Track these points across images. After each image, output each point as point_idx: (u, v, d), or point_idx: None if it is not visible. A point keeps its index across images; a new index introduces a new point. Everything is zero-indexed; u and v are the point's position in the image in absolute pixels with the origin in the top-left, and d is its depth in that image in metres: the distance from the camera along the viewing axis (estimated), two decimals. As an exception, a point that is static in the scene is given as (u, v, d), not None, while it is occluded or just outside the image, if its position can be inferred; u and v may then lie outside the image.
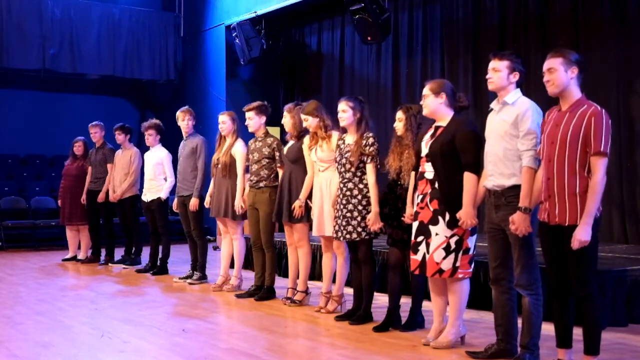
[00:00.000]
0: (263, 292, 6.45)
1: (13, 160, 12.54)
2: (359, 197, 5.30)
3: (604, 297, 5.20)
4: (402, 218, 4.98)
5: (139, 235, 8.82)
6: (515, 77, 4.15)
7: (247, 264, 7.54)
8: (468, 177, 4.36)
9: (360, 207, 5.29)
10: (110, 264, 8.97)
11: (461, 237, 4.47)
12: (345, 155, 5.35)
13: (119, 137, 8.78)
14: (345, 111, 5.37)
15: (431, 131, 4.65)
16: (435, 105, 4.59)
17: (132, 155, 8.69)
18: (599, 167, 3.61)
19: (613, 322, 5.26)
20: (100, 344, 4.83)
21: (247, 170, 6.70)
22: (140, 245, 8.84)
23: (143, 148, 8.58)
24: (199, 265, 7.50)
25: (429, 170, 4.57)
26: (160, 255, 8.21)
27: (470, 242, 4.52)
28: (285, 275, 6.91)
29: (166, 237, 8.19)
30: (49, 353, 4.57)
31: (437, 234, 4.48)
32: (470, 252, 4.53)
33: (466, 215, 4.32)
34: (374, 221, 5.19)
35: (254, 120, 6.51)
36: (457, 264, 4.48)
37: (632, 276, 5.51)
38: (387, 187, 5.23)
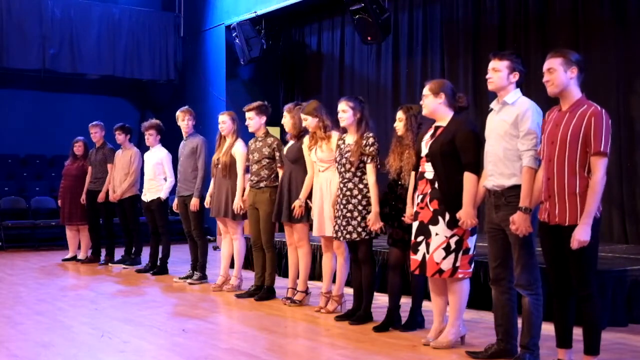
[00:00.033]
0: (263, 292, 6.46)
1: (13, 160, 12.54)
2: (359, 197, 5.30)
3: (604, 297, 5.20)
4: (403, 218, 4.98)
5: (139, 235, 8.82)
6: (515, 77, 4.15)
7: (247, 264, 7.54)
8: (468, 177, 4.36)
9: (360, 207, 5.29)
10: (110, 264, 8.97)
11: (461, 237, 4.47)
12: (345, 155, 5.35)
13: (119, 137, 8.79)
14: (345, 111, 5.37)
15: (431, 131, 4.65)
16: (435, 106, 4.59)
17: (132, 155, 8.69)
18: (599, 167, 3.61)
19: (613, 322, 5.26)
20: (100, 344, 4.83)
21: (247, 170, 6.70)
22: (140, 245, 8.84)
23: (143, 148, 8.58)
24: (199, 265, 7.50)
25: (429, 170, 4.57)
26: (160, 255, 8.21)
27: (470, 242, 4.52)
28: (285, 275, 6.91)
29: (166, 237, 8.19)
30: (49, 353, 4.57)
31: (437, 234, 4.48)
32: (470, 252, 4.53)
33: (466, 215, 4.32)
34: (374, 221, 5.19)
35: (254, 120, 6.51)
36: (457, 264, 4.48)
37: (632, 276, 5.51)
38: (387, 187, 5.23)
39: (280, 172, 6.28)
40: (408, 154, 4.97)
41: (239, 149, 6.76)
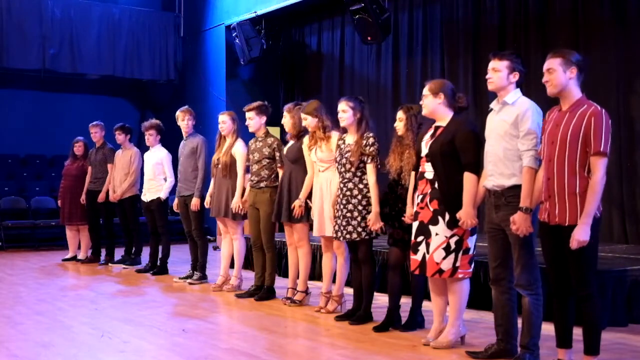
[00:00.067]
0: (263, 292, 6.45)
1: (13, 160, 12.54)
2: (359, 197, 5.30)
3: (604, 297, 5.20)
4: (403, 218, 4.98)
5: (139, 235, 8.82)
6: (515, 77, 4.15)
7: (247, 264, 7.54)
8: (468, 177, 4.36)
9: (360, 207, 5.29)
10: (110, 264, 8.97)
11: (461, 237, 4.47)
12: (346, 155, 5.35)
13: (119, 137, 8.79)
14: (345, 111, 5.37)
15: (431, 131, 4.65)
16: (434, 106, 4.59)
17: (132, 155, 8.69)
18: (599, 167, 3.61)
19: (613, 322, 5.26)
20: (100, 344, 4.83)
21: (247, 170, 6.70)
22: (140, 245, 8.84)
23: (143, 148, 8.58)
24: (199, 265, 7.50)
25: (428, 170, 4.57)
26: (160, 255, 8.21)
27: (470, 242, 4.52)
28: (285, 275, 6.91)
29: (166, 237, 8.19)
30: (49, 353, 4.57)
31: (437, 234, 4.48)
32: (470, 252, 4.53)
33: (466, 215, 4.32)
34: (374, 221, 5.19)
35: (254, 121, 6.51)
36: (457, 264, 4.48)
37: (632, 276, 5.51)
38: (387, 187, 5.23)
39: (280, 172, 6.28)
40: (408, 154, 4.96)
41: (239, 149, 6.76)
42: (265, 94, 10.27)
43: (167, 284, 7.51)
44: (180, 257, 9.08)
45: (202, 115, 10.27)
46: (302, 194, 5.87)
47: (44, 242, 11.11)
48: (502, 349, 4.26)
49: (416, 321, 5.16)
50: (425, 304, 5.17)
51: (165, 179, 8.10)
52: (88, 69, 12.42)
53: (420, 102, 4.70)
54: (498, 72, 4.16)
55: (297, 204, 5.86)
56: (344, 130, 5.49)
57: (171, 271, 8.14)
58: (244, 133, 6.86)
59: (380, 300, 5.83)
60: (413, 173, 4.84)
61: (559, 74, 3.74)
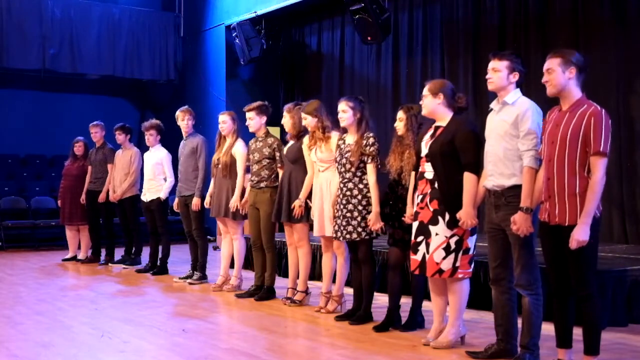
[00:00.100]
0: (263, 292, 6.45)
1: (13, 160, 12.54)
2: (359, 197, 5.30)
3: (604, 297, 5.20)
4: (403, 218, 4.98)
5: (139, 235, 8.82)
6: (515, 77, 4.15)
7: (247, 264, 7.54)
8: (468, 177, 4.36)
9: (360, 207, 5.29)
10: (110, 264, 8.97)
11: (461, 237, 4.47)
12: (346, 155, 5.35)
13: (119, 137, 8.79)
14: (345, 111, 5.37)
15: (431, 131, 4.65)
16: (433, 106, 4.59)
17: (132, 155, 8.69)
18: (599, 167, 3.61)
19: (613, 322, 5.26)
20: (100, 344, 4.83)
21: (247, 170, 6.70)
22: (140, 245, 8.84)
23: (143, 148, 8.58)
24: (199, 265, 7.50)
25: (428, 171, 4.57)
26: (160, 255, 8.21)
27: (470, 242, 4.52)
28: (285, 275, 6.91)
29: (166, 237, 8.19)
30: (49, 353, 4.57)
31: (437, 234, 4.48)
32: (470, 252, 4.53)
33: (466, 215, 4.32)
34: (374, 221, 5.19)
35: (254, 121, 6.51)
36: (457, 264, 4.48)
37: (632, 276, 5.51)
38: (388, 187, 5.23)
39: (281, 172, 6.28)
40: (408, 154, 4.96)
41: (239, 149, 6.76)
42: (265, 94, 10.27)
43: (167, 284, 7.51)
44: (180, 257, 9.08)
45: (202, 115, 10.28)
46: (302, 194, 5.87)
47: (44, 242, 11.11)
48: (502, 349, 4.26)
49: (416, 321, 5.16)
50: (425, 304, 5.17)
51: (165, 179, 8.10)
52: (88, 69, 12.42)
53: (420, 102, 4.70)
54: (498, 72, 4.16)
55: (297, 204, 5.86)
56: (344, 130, 5.49)
57: (171, 271, 8.14)
58: (244, 133, 6.86)
59: (380, 300, 5.83)
60: (413, 173, 4.84)
61: (558, 74, 3.75)
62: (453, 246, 4.46)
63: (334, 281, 5.82)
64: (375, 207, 5.21)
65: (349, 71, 11.09)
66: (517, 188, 4.04)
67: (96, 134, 9.13)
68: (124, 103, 13.67)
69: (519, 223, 3.92)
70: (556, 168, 3.73)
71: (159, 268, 8.15)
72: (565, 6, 8.09)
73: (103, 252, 9.17)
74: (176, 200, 7.58)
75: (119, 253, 9.06)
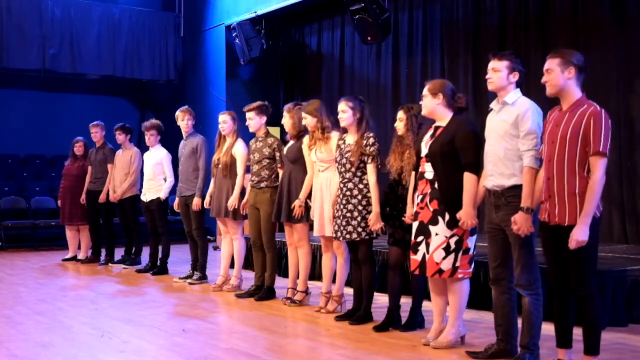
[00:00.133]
0: (263, 292, 6.45)
1: (13, 160, 12.54)
2: (359, 197, 5.30)
3: (604, 297, 5.20)
4: (403, 218, 4.98)
5: (139, 235, 8.82)
6: (515, 77, 4.15)
7: (247, 264, 7.54)
8: (468, 177, 4.36)
9: (360, 207, 5.29)
10: (110, 264, 8.97)
11: (461, 237, 4.47)
12: (346, 155, 5.35)
13: (119, 137, 8.79)
14: (345, 111, 5.37)
15: (431, 131, 4.65)
16: (433, 106, 4.59)
17: (132, 155, 8.70)
18: (598, 167, 3.61)
19: (613, 322, 5.26)
20: (100, 344, 4.83)
21: (247, 170, 6.70)
22: (140, 245, 8.84)
23: (143, 148, 8.58)
24: (199, 265, 7.50)
25: (428, 171, 4.57)
26: (160, 255, 8.21)
27: (470, 242, 4.52)
28: (285, 275, 6.91)
29: (166, 237, 8.19)
30: (49, 353, 4.57)
31: (436, 234, 4.48)
32: (470, 252, 4.53)
33: (466, 215, 4.32)
34: (374, 221, 5.19)
35: (254, 121, 6.51)
36: (457, 264, 4.48)
37: (632, 276, 5.51)
38: (388, 187, 5.23)
39: (281, 172, 6.28)
40: (409, 154, 4.96)
41: (239, 149, 6.76)
42: (265, 94, 10.27)
43: (167, 284, 7.51)
44: (180, 257, 9.08)
45: (202, 115, 10.28)
46: (302, 194, 5.87)
47: (44, 242, 11.11)
48: (502, 349, 4.26)
49: (416, 321, 5.16)
50: (425, 304, 5.17)
51: (165, 179, 8.10)
52: (88, 69, 12.42)
53: (420, 102, 4.70)
54: (498, 72, 4.16)
55: (297, 204, 5.86)
56: (345, 130, 5.49)
57: (171, 271, 8.14)
58: (244, 133, 6.86)
59: (380, 300, 5.83)
60: (413, 173, 4.84)
61: (556, 74, 3.75)
62: (453, 246, 4.46)
63: (334, 281, 5.82)
64: (375, 207, 5.20)
65: (349, 71, 11.09)
66: (517, 188, 4.04)
67: (96, 134, 9.13)
68: (124, 103, 13.67)
69: (520, 223, 3.92)
70: (556, 168, 3.73)
71: (159, 268, 8.15)
72: (565, 6, 8.09)
73: (103, 252, 9.17)
74: (176, 200, 7.58)
75: (119, 253, 9.06)
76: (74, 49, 12.18)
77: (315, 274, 7.03)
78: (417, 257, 4.57)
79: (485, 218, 4.37)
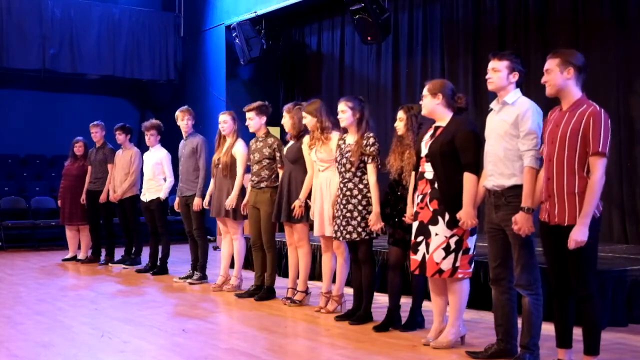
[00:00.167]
0: (263, 292, 6.45)
1: (13, 160, 12.54)
2: (359, 197, 5.30)
3: (604, 297, 5.20)
4: (403, 218, 4.98)
5: (139, 235, 8.82)
6: (515, 77, 4.16)
7: (247, 264, 7.54)
8: (468, 177, 4.36)
9: (360, 207, 5.29)
10: (110, 264, 8.97)
11: (461, 237, 4.47)
12: (346, 155, 5.35)
13: (120, 137, 8.79)
14: (344, 111, 5.37)
15: (431, 131, 4.65)
16: (433, 106, 4.59)
17: (132, 155, 8.70)
18: (598, 167, 3.61)
19: (613, 322, 5.26)
20: (100, 344, 4.83)
21: (248, 170, 6.70)
22: (140, 245, 8.84)
23: (143, 148, 8.58)
24: (199, 265, 7.50)
25: (428, 171, 4.57)
26: (160, 255, 8.21)
27: (470, 242, 4.52)
28: (285, 275, 6.91)
29: (166, 237, 8.19)
30: (49, 353, 4.57)
31: (436, 234, 4.48)
32: (470, 252, 4.53)
33: (466, 215, 4.32)
34: (375, 221, 5.19)
35: (254, 121, 6.51)
36: (457, 264, 4.48)
37: (632, 276, 5.51)
38: (388, 187, 5.23)
39: (281, 173, 6.28)
40: (409, 154, 4.96)
41: (239, 149, 6.76)
42: (265, 94, 10.27)
43: (167, 284, 7.51)
44: (180, 257, 9.08)
45: (202, 115, 10.28)
46: (302, 194, 5.87)
47: (44, 242, 11.11)
48: (502, 349, 4.26)
49: (416, 321, 5.16)
50: (425, 304, 5.17)
51: (164, 179, 8.10)
52: (88, 69, 12.42)
53: (420, 102, 4.70)
54: (498, 72, 4.16)
55: (297, 204, 5.86)
56: (345, 131, 5.49)
57: (171, 271, 8.14)
58: (244, 133, 6.86)
59: (380, 300, 5.83)
60: (413, 173, 4.84)
61: (555, 74, 3.76)
62: (453, 246, 4.46)
63: (334, 281, 5.82)
64: (375, 207, 5.20)
65: (349, 71, 11.09)
66: (517, 188, 4.04)
67: (96, 134, 9.13)
68: (124, 103, 13.67)
69: (521, 223, 3.92)
70: (556, 168, 3.73)
71: (159, 268, 8.15)
72: (565, 6, 8.09)
73: (103, 252, 9.17)
74: (177, 200, 7.58)
75: (119, 253, 9.06)
76: (74, 49, 12.18)
77: (315, 274, 7.03)
78: (417, 257, 4.57)
79: (485, 218, 4.37)
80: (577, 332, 3.87)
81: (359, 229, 5.28)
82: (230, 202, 6.66)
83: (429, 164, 4.55)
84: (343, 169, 5.37)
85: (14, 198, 11.47)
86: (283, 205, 6.03)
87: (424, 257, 4.53)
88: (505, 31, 8.73)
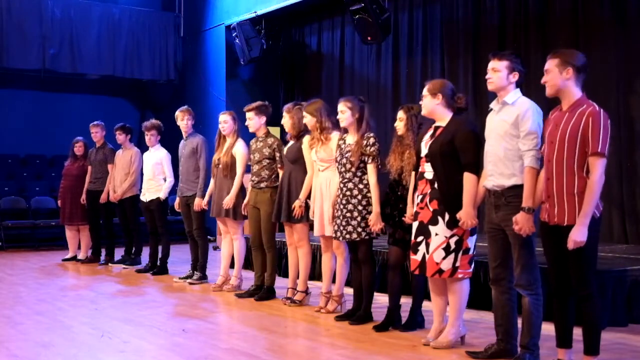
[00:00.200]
0: (263, 292, 6.46)
1: (13, 160, 12.54)
2: (359, 197, 5.30)
3: (604, 297, 5.20)
4: (404, 218, 4.98)
5: (139, 235, 8.82)
6: (515, 77, 4.15)
7: (247, 264, 7.54)
8: (468, 177, 4.36)
9: (360, 207, 5.29)
10: (110, 264, 8.97)
11: (461, 237, 4.47)
12: (346, 155, 5.35)
13: (120, 137, 8.79)
14: (343, 112, 5.38)
15: (431, 131, 4.65)
16: (432, 106, 4.59)
17: (132, 155, 8.70)
18: (597, 167, 3.61)
19: (613, 322, 5.26)
20: (100, 344, 4.83)
21: (248, 170, 6.70)
22: (140, 245, 8.84)
23: (143, 148, 8.58)
24: (199, 265, 7.50)
25: (428, 171, 4.57)
26: (159, 255, 8.21)
27: (470, 242, 4.52)
28: (285, 275, 6.91)
29: (165, 237, 8.19)
30: (49, 353, 4.57)
31: (436, 234, 4.48)
32: (470, 252, 4.53)
33: (466, 215, 4.32)
34: (375, 222, 5.19)
35: (253, 121, 6.51)
36: (457, 264, 4.48)
37: (632, 276, 5.51)
38: (388, 187, 5.23)
39: (281, 173, 6.28)
40: (409, 154, 4.96)
41: (239, 149, 6.76)
42: (265, 94, 10.27)
43: (167, 284, 7.51)
44: (180, 257, 9.08)
45: (202, 115, 10.28)
46: (302, 194, 5.87)
47: (44, 242, 11.11)
48: (502, 349, 4.26)
49: (416, 321, 5.16)
50: (425, 304, 5.17)
51: (164, 179, 8.10)
52: (88, 69, 12.42)
53: (420, 102, 4.70)
54: (498, 72, 4.16)
55: (297, 204, 5.86)
56: (346, 131, 5.49)
57: (171, 271, 8.14)
58: (244, 133, 6.86)
59: (380, 300, 5.83)
60: (413, 173, 4.84)
61: (554, 74, 3.76)
62: (453, 246, 4.46)
63: (333, 281, 5.82)
64: (375, 208, 5.20)
65: (349, 71, 11.09)
66: (517, 188, 4.04)
67: (96, 134, 9.14)
68: (124, 103, 13.67)
69: (521, 223, 3.92)
70: (555, 168, 3.73)
71: (159, 268, 8.15)
72: (565, 6, 8.09)
73: (103, 252, 9.17)
74: (177, 200, 7.58)
75: (119, 253, 9.06)
76: (74, 49, 12.18)
77: (315, 274, 7.03)
78: (417, 257, 4.57)
79: (485, 218, 4.37)
80: (577, 332, 3.87)
81: (359, 229, 5.28)
82: (227, 201, 6.66)
83: (429, 164, 4.55)
84: (343, 169, 5.37)
85: (14, 198, 11.47)
86: (283, 205, 6.03)
87: (424, 257, 4.53)
88: (505, 31, 8.73)
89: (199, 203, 7.26)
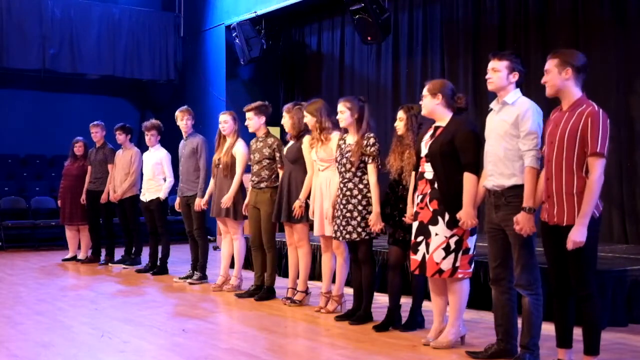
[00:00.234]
0: (263, 292, 6.46)
1: (13, 160, 12.54)
2: (359, 197, 5.30)
3: (604, 297, 5.20)
4: (404, 218, 4.98)
5: (139, 235, 8.83)
6: (515, 77, 4.15)
7: (247, 264, 7.54)
8: (468, 177, 4.36)
9: (360, 207, 5.29)
10: (110, 264, 8.97)
11: (461, 237, 4.47)
12: (346, 155, 5.35)
13: (120, 137, 8.79)
14: (342, 112, 5.38)
15: (431, 131, 4.65)
16: (432, 106, 4.59)
17: (132, 155, 8.70)
18: (596, 167, 3.61)
19: (613, 322, 5.26)
20: (100, 344, 4.83)
21: (248, 170, 6.70)
22: (140, 245, 8.84)
23: (143, 148, 8.58)
24: (199, 265, 7.50)
25: (428, 171, 4.57)
26: (159, 255, 8.21)
27: (470, 242, 4.52)
28: (285, 275, 6.91)
29: (165, 237, 8.19)
30: (49, 353, 4.57)
31: (436, 234, 4.48)
32: (470, 252, 4.53)
33: (466, 215, 4.32)
34: (375, 222, 5.19)
35: (253, 121, 6.51)
36: (457, 264, 4.48)
37: (632, 276, 5.51)
38: (388, 187, 5.23)
39: (281, 173, 6.28)
40: (409, 154, 4.96)
41: (239, 149, 6.76)
42: (265, 94, 10.27)
43: (167, 284, 7.51)
44: (180, 257, 9.08)
45: (202, 115, 10.28)
46: (302, 194, 5.87)
47: (44, 242, 11.11)
48: (502, 349, 4.26)
49: (416, 321, 5.16)
50: (425, 304, 5.17)
51: (164, 179, 8.10)
52: (88, 69, 12.43)
53: (420, 102, 4.70)
54: (498, 72, 4.16)
55: (297, 204, 5.86)
56: (346, 130, 5.49)
57: (171, 271, 8.14)
58: (244, 133, 6.86)
59: (380, 300, 5.83)
60: (413, 173, 4.84)
61: (554, 75, 3.76)
62: (453, 246, 4.46)
63: (333, 281, 5.82)
64: (375, 208, 5.20)
65: (349, 71, 11.09)
66: (517, 188, 4.04)
67: (96, 134, 9.14)
68: (124, 103, 13.67)
69: (522, 223, 3.92)
70: (554, 168, 3.73)
71: (159, 268, 8.15)
72: (565, 6, 8.09)
73: (103, 252, 9.18)
74: (177, 200, 7.58)
75: (119, 253, 9.06)
76: (74, 49, 12.18)
77: (315, 274, 7.03)
78: (417, 257, 4.57)
79: (485, 218, 4.37)
80: (577, 332, 3.87)
81: (359, 229, 5.28)
82: (226, 200, 6.65)
83: (429, 164, 4.55)
84: (343, 169, 5.37)
85: (14, 198, 11.47)
86: (283, 205, 6.03)
87: (424, 257, 4.53)
88: (505, 31, 8.73)
89: (199, 203, 7.26)
